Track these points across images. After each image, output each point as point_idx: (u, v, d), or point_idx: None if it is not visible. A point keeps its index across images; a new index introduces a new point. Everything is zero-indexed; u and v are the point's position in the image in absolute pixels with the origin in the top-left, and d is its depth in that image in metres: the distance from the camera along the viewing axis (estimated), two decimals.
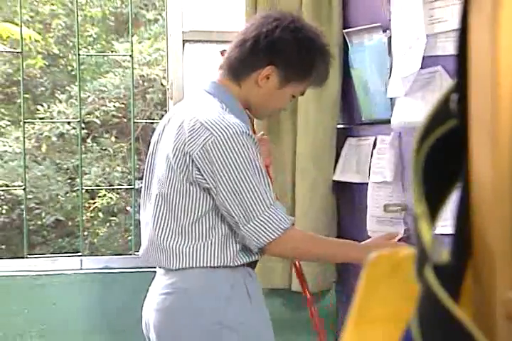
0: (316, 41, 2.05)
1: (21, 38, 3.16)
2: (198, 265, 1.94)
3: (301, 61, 2.03)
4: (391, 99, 2.51)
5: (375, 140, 2.66)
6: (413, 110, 2.27)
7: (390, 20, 2.43)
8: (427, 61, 2.20)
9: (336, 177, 2.90)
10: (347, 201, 2.93)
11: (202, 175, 1.90)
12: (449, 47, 2.16)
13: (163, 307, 1.97)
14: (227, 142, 1.87)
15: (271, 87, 2.04)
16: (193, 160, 1.90)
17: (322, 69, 2.07)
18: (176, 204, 1.96)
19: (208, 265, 1.94)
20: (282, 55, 2.01)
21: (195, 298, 1.94)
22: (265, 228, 1.90)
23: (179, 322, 1.95)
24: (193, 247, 1.94)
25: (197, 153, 1.89)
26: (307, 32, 2.03)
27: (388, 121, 2.58)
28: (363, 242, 2.08)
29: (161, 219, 1.98)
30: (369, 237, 2.65)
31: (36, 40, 6.46)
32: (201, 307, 1.93)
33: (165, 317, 1.97)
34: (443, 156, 0.57)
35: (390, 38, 2.47)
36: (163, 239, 1.97)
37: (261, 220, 1.89)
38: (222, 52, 2.13)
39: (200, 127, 1.90)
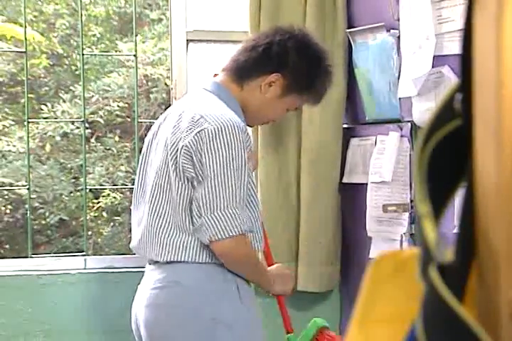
0: (324, 60, 2.12)
1: (25, 37, 3.17)
2: (188, 259, 1.95)
3: (307, 75, 2.08)
4: (399, 98, 2.51)
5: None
6: (427, 110, 2.28)
7: (398, 20, 2.44)
8: (435, 60, 2.20)
9: (344, 180, 2.90)
10: (352, 201, 2.93)
11: (191, 163, 1.90)
12: (456, 46, 2.17)
13: (155, 302, 1.98)
14: (220, 133, 1.89)
15: (272, 94, 2.06)
16: (183, 147, 1.90)
17: (322, 87, 2.13)
18: (172, 199, 1.97)
19: (198, 260, 1.95)
20: (291, 65, 2.05)
21: (186, 293, 1.95)
22: (220, 224, 1.88)
23: (171, 317, 1.96)
24: (185, 241, 1.95)
25: (189, 141, 1.90)
26: (317, 49, 2.11)
27: (391, 121, 2.58)
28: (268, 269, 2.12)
29: (156, 211, 1.99)
30: (369, 238, 2.65)
31: (39, 41, 6.46)
32: (193, 302, 1.95)
33: (156, 313, 1.98)
34: (447, 156, 0.57)
35: (398, 38, 2.47)
36: (157, 231, 1.99)
37: (220, 215, 1.87)
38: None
39: (200, 118, 1.92)
